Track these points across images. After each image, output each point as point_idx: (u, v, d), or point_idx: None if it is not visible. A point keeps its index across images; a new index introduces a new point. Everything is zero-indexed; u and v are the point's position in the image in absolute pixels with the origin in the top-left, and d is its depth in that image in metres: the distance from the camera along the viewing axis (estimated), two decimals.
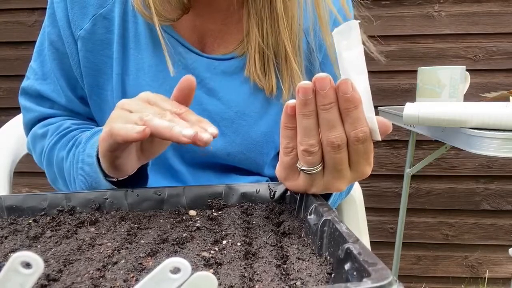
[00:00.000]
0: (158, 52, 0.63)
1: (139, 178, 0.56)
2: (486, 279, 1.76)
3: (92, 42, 0.63)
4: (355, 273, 0.27)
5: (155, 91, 0.63)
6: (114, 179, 0.54)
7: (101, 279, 0.33)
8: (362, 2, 0.70)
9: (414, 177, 1.54)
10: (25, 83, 0.69)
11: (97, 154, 0.53)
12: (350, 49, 0.38)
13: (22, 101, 0.69)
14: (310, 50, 0.67)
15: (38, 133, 0.66)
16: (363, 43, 0.39)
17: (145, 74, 0.63)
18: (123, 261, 0.36)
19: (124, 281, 0.32)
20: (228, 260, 0.35)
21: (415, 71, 1.17)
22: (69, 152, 0.60)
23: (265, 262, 0.35)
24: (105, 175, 0.54)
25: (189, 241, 0.40)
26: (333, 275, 0.31)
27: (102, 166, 0.53)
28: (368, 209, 0.94)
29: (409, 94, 1.65)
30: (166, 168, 0.67)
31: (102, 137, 0.48)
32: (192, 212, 0.50)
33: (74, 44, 0.64)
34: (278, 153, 0.71)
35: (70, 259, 0.37)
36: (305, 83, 0.38)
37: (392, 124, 0.42)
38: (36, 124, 0.68)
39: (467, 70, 1.11)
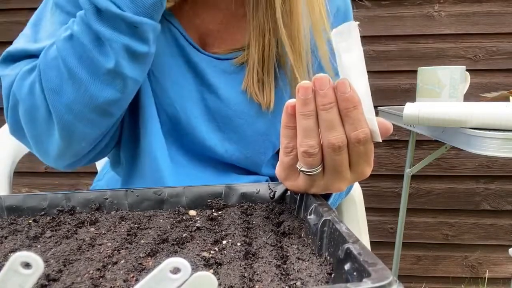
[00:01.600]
0: (163, 43, 0.63)
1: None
2: (486, 279, 1.76)
3: None
4: (355, 273, 0.27)
5: (159, 81, 0.63)
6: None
7: (101, 279, 0.33)
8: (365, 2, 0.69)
9: (414, 177, 1.54)
10: (11, 47, 0.60)
11: None
12: (349, 51, 0.38)
13: (5, 68, 0.59)
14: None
15: (27, 69, 0.56)
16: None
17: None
18: (123, 261, 0.36)
19: (124, 281, 0.32)
20: (228, 260, 0.36)
21: (415, 71, 1.17)
22: (69, 26, 0.53)
23: (265, 262, 0.35)
24: None
25: (189, 241, 0.40)
26: (333, 275, 0.31)
27: None
28: (368, 209, 0.94)
29: (409, 94, 1.65)
30: (167, 159, 0.67)
31: None
32: (192, 212, 0.50)
33: None
34: (277, 153, 0.72)
35: (70, 259, 0.37)
36: (305, 82, 0.38)
37: (392, 124, 0.42)
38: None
39: (467, 70, 1.11)
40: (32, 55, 0.58)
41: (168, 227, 0.45)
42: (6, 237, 0.43)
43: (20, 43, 0.61)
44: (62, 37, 0.53)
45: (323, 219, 0.36)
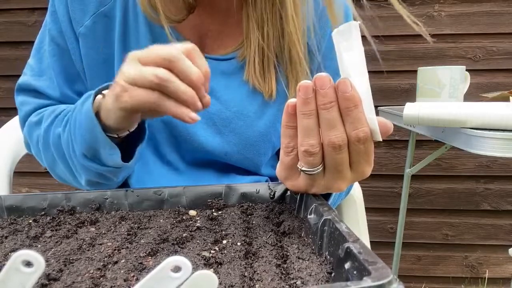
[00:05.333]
0: None
1: (138, 133, 0.57)
2: (486, 279, 1.76)
3: (93, 39, 0.63)
4: (355, 272, 0.27)
5: None
6: (115, 135, 0.54)
7: (101, 278, 0.33)
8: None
9: (414, 177, 1.54)
10: (21, 79, 0.68)
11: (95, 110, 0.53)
12: (350, 50, 0.38)
13: (18, 97, 0.69)
14: (310, 51, 0.67)
15: (33, 121, 0.65)
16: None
17: None
18: (123, 261, 0.36)
19: (125, 280, 0.32)
20: (228, 260, 0.36)
21: (415, 71, 1.16)
22: (66, 125, 0.58)
23: (265, 262, 0.35)
24: (104, 130, 0.52)
25: (189, 241, 0.40)
26: (333, 274, 0.31)
27: (106, 121, 0.52)
28: (368, 209, 0.94)
29: (409, 94, 1.65)
30: (166, 166, 0.67)
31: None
32: (192, 212, 0.50)
33: (76, 40, 0.64)
34: (277, 153, 0.72)
35: (71, 258, 0.37)
36: (306, 82, 0.38)
37: (392, 124, 0.42)
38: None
39: (467, 70, 1.11)
40: (38, 91, 0.67)
41: (168, 227, 0.45)
42: (6, 237, 0.43)
43: (27, 75, 0.68)
44: (56, 133, 0.60)
45: (323, 218, 0.36)
